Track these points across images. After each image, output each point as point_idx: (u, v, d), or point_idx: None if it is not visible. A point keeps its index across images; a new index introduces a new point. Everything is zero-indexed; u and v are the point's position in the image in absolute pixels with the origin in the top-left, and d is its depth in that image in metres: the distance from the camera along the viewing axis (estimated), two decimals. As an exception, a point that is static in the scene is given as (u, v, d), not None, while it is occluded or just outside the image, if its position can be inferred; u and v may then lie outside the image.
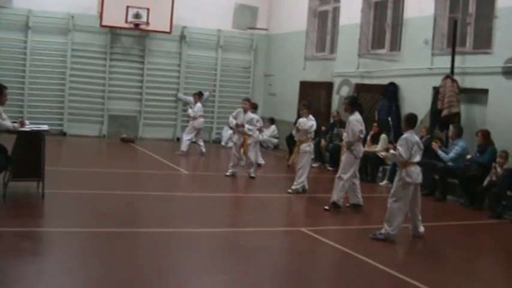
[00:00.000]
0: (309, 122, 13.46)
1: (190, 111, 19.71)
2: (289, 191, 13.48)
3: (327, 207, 11.79)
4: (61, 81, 21.35)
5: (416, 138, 9.99)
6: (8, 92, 11.14)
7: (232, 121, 15.43)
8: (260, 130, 16.53)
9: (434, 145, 13.91)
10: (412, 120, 10.07)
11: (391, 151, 9.97)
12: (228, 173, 15.19)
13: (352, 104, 12.27)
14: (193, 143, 19.51)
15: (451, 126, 14.09)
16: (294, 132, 14.31)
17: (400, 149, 9.61)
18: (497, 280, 8.53)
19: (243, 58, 24.04)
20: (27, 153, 10.81)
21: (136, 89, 22.54)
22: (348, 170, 11.86)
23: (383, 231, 9.69)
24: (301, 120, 13.58)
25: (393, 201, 9.69)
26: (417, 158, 9.76)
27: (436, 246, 10.10)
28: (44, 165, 10.86)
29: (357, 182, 12.22)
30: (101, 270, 7.31)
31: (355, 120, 11.96)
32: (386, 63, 17.44)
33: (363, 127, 12.08)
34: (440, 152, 13.82)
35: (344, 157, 12.02)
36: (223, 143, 22.21)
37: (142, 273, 7.33)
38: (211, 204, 12.12)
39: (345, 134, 12.26)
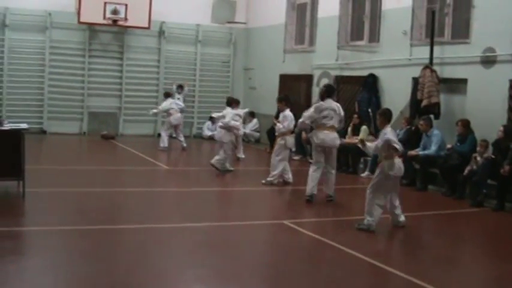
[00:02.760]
0: (284, 122, 13.47)
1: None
2: (263, 182, 13.57)
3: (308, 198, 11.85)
4: (40, 79, 21.23)
5: (393, 132, 10.13)
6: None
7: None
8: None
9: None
10: (389, 115, 10.16)
11: (369, 144, 10.06)
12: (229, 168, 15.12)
13: (328, 91, 12.17)
14: (173, 138, 19.51)
15: (420, 120, 14.19)
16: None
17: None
18: (479, 268, 8.59)
19: (222, 52, 24.00)
20: (7, 152, 10.70)
21: (115, 86, 22.45)
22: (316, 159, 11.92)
23: (365, 221, 9.75)
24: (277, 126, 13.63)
25: (370, 192, 9.79)
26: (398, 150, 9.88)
27: (417, 235, 10.17)
28: (24, 164, 10.78)
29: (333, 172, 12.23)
30: (84, 268, 7.27)
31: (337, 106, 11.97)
32: (365, 55, 17.47)
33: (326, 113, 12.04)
34: (420, 152, 13.92)
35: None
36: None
37: (125, 269, 7.32)
38: (193, 199, 12.12)
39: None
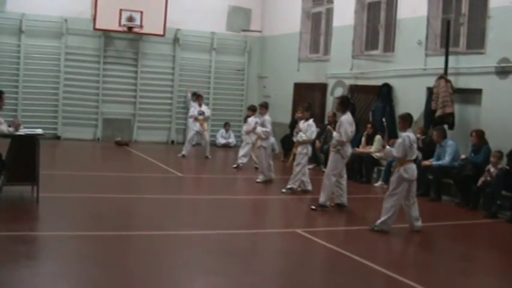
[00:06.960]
0: (307, 132, 13.42)
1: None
2: (283, 190, 13.55)
3: (313, 207, 11.83)
4: (55, 85, 21.33)
5: (413, 136, 10.45)
6: (6, 97, 11.15)
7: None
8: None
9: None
10: (408, 119, 10.50)
11: (387, 147, 10.51)
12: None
13: (343, 103, 12.25)
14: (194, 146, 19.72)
15: (434, 131, 14.15)
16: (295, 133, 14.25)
17: (395, 147, 10.21)
18: (493, 280, 8.53)
19: (236, 60, 24.03)
20: (22, 157, 10.78)
21: (130, 92, 22.52)
22: (334, 169, 11.85)
23: (378, 222, 10.18)
24: (302, 130, 13.53)
25: (388, 196, 10.24)
26: (414, 156, 10.29)
27: (431, 246, 10.14)
28: (39, 169, 10.83)
29: (344, 182, 12.20)
30: (97, 274, 7.29)
31: (346, 120, 11.92)
32: (380, 64, 17.44)
33: (352, 127, 12.04)
34: (434, 163, 13.86)
35: (331, 156, 12.03)
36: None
37: (138, 276, 7.32)
38: (206, 207, 12.13)
39: (335, 133, 12.14)
